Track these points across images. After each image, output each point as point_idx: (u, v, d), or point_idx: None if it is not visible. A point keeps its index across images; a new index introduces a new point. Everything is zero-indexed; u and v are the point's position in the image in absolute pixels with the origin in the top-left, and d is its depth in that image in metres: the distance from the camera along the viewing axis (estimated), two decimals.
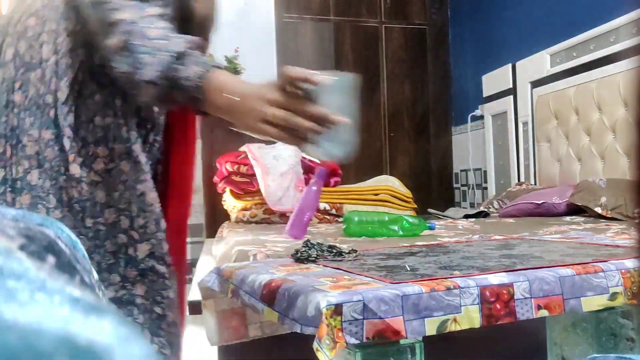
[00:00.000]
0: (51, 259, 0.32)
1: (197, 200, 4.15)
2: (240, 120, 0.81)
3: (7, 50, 0.98)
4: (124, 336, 0.23)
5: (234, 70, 3.96)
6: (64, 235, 0.37)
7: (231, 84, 0.81)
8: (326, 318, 0.76)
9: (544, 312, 0.89)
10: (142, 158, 1.01)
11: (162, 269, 1.01)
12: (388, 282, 0.86)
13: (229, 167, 2.95)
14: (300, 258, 1.13)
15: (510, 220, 2.47)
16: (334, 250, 1.16)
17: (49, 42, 0.96)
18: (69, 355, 0.20)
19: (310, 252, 1.14)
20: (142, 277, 0.99)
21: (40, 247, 0.32)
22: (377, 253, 1.23)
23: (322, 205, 2.78)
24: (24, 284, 0.23)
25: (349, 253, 1.15)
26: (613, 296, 0.94)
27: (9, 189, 0.95)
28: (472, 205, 4.04)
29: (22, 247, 0.29)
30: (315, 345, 0.76)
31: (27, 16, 0.98)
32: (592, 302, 0.93)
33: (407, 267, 1.03)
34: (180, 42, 0.82)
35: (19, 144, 0.95)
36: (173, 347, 1.03)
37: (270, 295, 0.92)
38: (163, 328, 1.01)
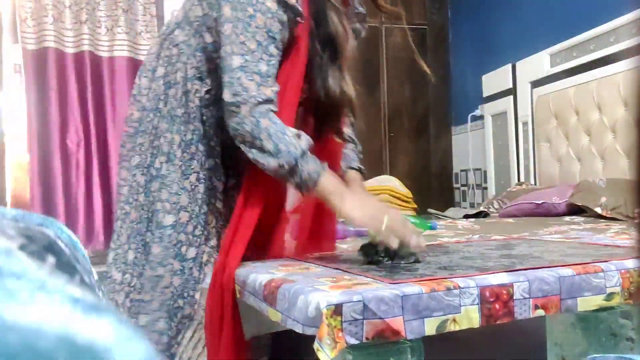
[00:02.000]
0: (51, 259, 0.32)
1: None
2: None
3: (158, 69, 1.25)
4: (124, 336, 0.23)
5: None
6: (64, 235, 0.37)
7: (335, 191, 1.07)
8: (326, 318, 0.76)
9: (540, 312, 0.89)
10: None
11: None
12: (387, 282, 0.86)
13: None
14: (370, 256, 1.06)
15: (510, 220, 2.47)
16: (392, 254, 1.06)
17: (181, 70, 1.22)
18: (69, 355, 0.21)
19: (378, 253, 1.06)
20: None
21: (40, 247, 0.32)
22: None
23: None
24: (24, 284, 0.23)
25: (408, 256, 1.06)
26: (609, 296, 0.94)
27: (141, 173, 1.23)
28: (472, 205, 4.04)
29: (22, 247, 0.29)
30: (316, 345, 0.76)
31: (172, 45, 1.24)
32: (588, 302, 0.93)
33: (417, 257, 1.04)
34: (304, 142, 1.06)
35: (155, 141, 1.22)
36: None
37: (271, 295, 0.92)
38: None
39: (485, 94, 3.81)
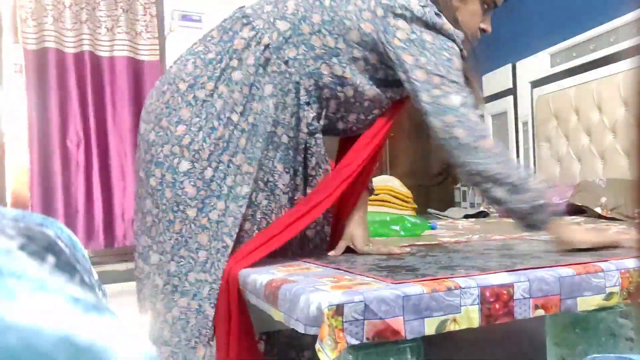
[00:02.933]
0: (51, 259, 0.32)
1: None
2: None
3: (266, 86, 1.20)
4: (124, 336, 0.23)
5: None
6: (64, 235, 0.37)
7: (567, 235, 1.15)
8: (327, 318, 0.76)
9: (540, 312, 0.89)
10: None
11: None
12: (389, 281, 0.86)
13: None
14: None
15: (511, 220, 2.46)
16: None
17: (292, 91, 1.21)
18: (69, 355, 0.21)
19: None
20: None
21: (40, 247, 0.32)
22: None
23: None
24: (24, 284, 0.23)
25: None
26: (609, 296, 0.94)
27: (237, 204, 1.18)
28: (472, 205, 4.04)
29: (22, 247, 0.29)
30: (317, 346, 0.76)
31: (282, 61, 1.20)
32: (588, 302, 0.93)
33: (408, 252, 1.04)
34: (547, 193, 1.11)
35: (259, 172, 1.20)
36: None
37: (272, 295, 0.92)
38: None
39: (485, 94, 3.81)
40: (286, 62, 1.18)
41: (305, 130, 1.21)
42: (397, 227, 1.82)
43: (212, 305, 1.15)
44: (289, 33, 1.19)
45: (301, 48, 1.19)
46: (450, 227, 2.08)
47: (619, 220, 2.13)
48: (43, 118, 3.60)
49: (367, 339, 0.78)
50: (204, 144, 1.17)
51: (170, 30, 4.10)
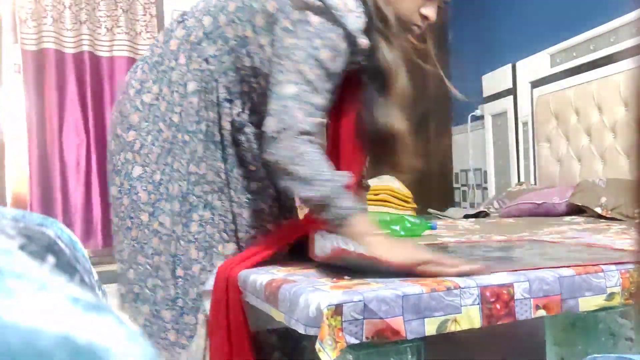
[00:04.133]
0: (51, 259, 0.32)
1: None
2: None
3: (189, 84, 1.17)
4: (124, 336, 0.23)
5: None
6: (64, 235, 0.37)
7: (367, 232, 0.99)
8: (327, 318, 0.76)
9: (541, 312, 0.89)
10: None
11: None
12: (385, 282, 0.86)
13: None
14: None
15: (510, 220, 2.47)
16: None
17: (215, 89, 1.16)
18: (69, 355, 0.21)
19: None
20: None
21: (40, 247, 0.32)
22: None
23: None
24: (24, 284, 0.23)
25: None
26: (610, 296, 0.94)
27: (177, 201, 1.16)
28: (472, 205, 4.04)
29: (22, 247, 0.29)
30: (317, 346, 0.76)
31: (202, 58, 1.17)
32: (589, 302, 0.93)
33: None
34: (343, 177, 1.01)
35: (192, 166, 1.17)
36: None
37: (272, 295, 0.92)
38: None
39: (485, 94, 3.81)
40: (206, 60, 1.16)
41: (229, 127, 1.17)
42: (397, 227, 1.82)
43: (167, 308, 1.16)
44: (210, 28, 1.17)
45: (218, 42, 1.15)
46: (450, 227, 2.08)
47: (619, 220, 2.13)
48: (42, 118, 3.60)
49: (367, 338, 0.78)
50: (152, 147, 1.17)
51: None
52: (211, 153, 1.16)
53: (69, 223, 3.55)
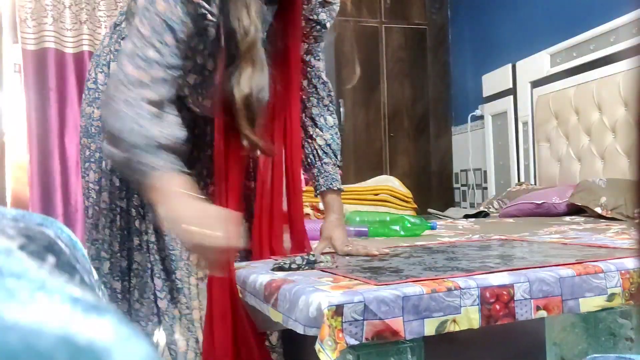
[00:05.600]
0: (51, 259, 0.32)
1: None
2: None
3: (111, 64, 1.22)
4: (124, 336, 0.23)
5: None
6: (64, 235, 0.37)
7: (165, 193, 0.91)
8: (327, 319, 0.76)
9: (542, 313, 0.89)
10: None
11: None
12: (373, 283, 0.86)
13: None
14: (282, 267, 1.04)
15: (510, 220, 2.47)
16: (307, 259, 1.06)
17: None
18: (69, 355, 0.21)
19: (289, 263, 1.05)
20: None
21: (40, 247, 0.32)
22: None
23: (322, 206, 2.77)
24: (24, 284, 0.23)
25: (320, 262, 1.06)
26: (611, 297, 0.94)
27: (117, 177, 1.21)
28: (472, 205, 4.04)
29: (22, 247, 0.29)
30: (317, 346, 0.76)
31: (120, 38, 1.22)
32: (590, 303, 0.93)
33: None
34: (162, 130, 0.94)
35: None
36: None
37: (272, 296, 0.92)
38: None
39: (485, 94, 3.81)
40: (123, 39, 1.19)
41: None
42: (397, 227, 1.82)
43: (116, 279, 1.23)
44: (125, 9, 1.23)
45: (130, 20, 1.14)
46: (450, 227, 2.08)
47: (619, 220, 2.13)
48: (42, 118, 3.60)
49: (367, 339, 0.78)
50: (90, 128, 1.25)
51: None
52: None
53: (69, 223, 3.55)
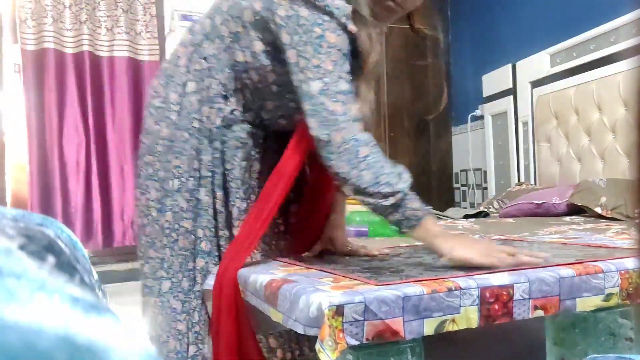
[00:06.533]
0: (51, 259, 0.32)
1: None
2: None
3: (189, 84, 1.21)
4: (123, 336, 0.23)
5: None
6: (64, 235, 0.37)
7: (439, 233, 1.02)
8: (328, 319, 0.76)
9: (539, 312, 0.89)
10: None
11: None
12: (373, 283, 0.86)
13: None
14: None
15: (510, 220, 2.47)
16: None
17: (211, 86, 1.21)
18: (69, 355, 0.21)
19: None
20: None
21: (40, 247, 0.32)
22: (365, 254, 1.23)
23: None
24: (24, 284, 0.23)
25: None
26: (608, 297, 0.94)
27: (183, 198, 1.20)
28: (472, 205, 4.04)
29: (22, 247, 0.29)
30: (317, 346, 0.76)
31: (201, 57, 1.21)
32: (587, 303, 0.93)
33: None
34: (407, 177, 1.02)
35: (195, 163, 1.22)
36: None
37: (272, 295, 0.92)
38: None
39: (485, 94, 3.81)
40: (205, 59, 1.20)
41: (219, 122, 1.19)
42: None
43: (176, 298, 1.19)
44: (208, 29, 1.21)
45: (216, 42, 1.19)
46: (450, 227, 2.08)
47: (619, 220, 2.13)
48: (42, 118, 3.60)
49: (367, 339, 0.78)
50: (156, 146, 1.22)
51: (170, 30, 4.10)
52: (204, 149, 1.19)
53: (69, 223, 3.55)
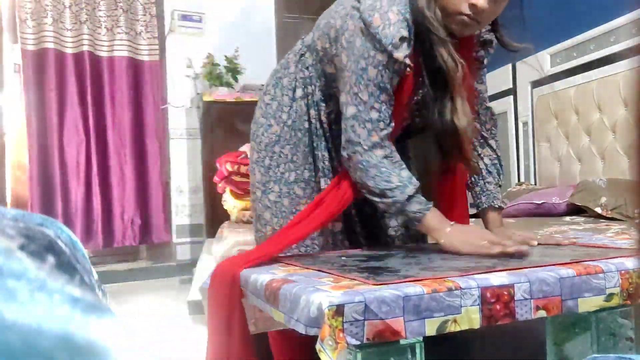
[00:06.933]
0: (51, 259, 0.32)
1: (197, 200, 4.15)
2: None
3: (297, 90, 1.38)
4: (123, 336, 0.23)
5: (235, 69, 3.96)
6: (64, 235, 0.37)
7: (437, 227, 1.19)
8: (328, 319, 0.76)
9: (542, 313, 0.89)
10: None
11: None
12: (371, 283, 0.85)
13: (229, 167, 2.95)
14: None
15: (510, 220, 2.47)
16: None
17: (314, 92, 1.37)
18: (69, 355, 0.20)
19: None
20: None
21: (40, 247, 0.32)
22: (361, 254, 1.23)
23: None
24: (24, 284, 0.23)
25: None
26: (609, 297, 0.94)
27: (299, 187, 1.37)
28: (472, 206, 4.03)
29: (22, 247, 0.29)
30: (318, 346, 0.76)
31: (304, 67, 1.38)
32: (589, 303, 0.93)
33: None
34: (410, 187, 1.18)
35: (310, 157, 1.40)
36: None
37: (272, 295, 0.92)
38: None
39: None
40: (307, 68, 1.36)
41: (327, 122, 1.36)
42: None
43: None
44: (309, 42, 1.36)
45: (314, 54, 1.34)
46: None
47: (619, 220, 2.13)
48: (42, 118, 3.60)
49: (368, 339, 0.78)
50: (262, 137, 1.39)
51: (170, 30, 4.10)
52: (317, 144, 1.36)
53: (69, 223, 3.55)
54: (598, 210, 2.23)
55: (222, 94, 3.82)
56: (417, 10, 1.17)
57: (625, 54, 2.57)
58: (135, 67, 3.89)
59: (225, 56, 3.96)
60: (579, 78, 2.93)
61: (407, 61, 1.17)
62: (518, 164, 3.51)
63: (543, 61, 3.24)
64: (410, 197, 1.17)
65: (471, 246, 1.13)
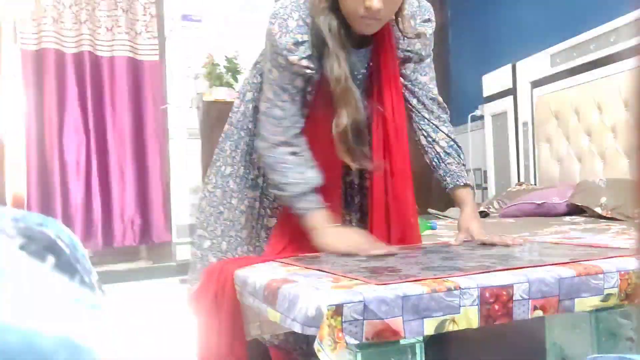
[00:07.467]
0: (51, 259, 0.32)
1: (197, 200, 4.15)
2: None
3: (247, 93, 1.48)
4: (122, 336, 0.23)
5: (234, 70, 3.96)
6: (64, 235, 0.37)
7: (316, 227, 1.26)
8: (327, 318, 0.76)
9: (538, 313, 0.89)
10: None
11: None
12: (373, 283, 0.85)
13: None
14: None
15: (510, 220, 2.47)
16: None
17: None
18: (69, 355, 0.21)
19: None
20: None
21: (40, 247, 0.32)
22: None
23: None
24: (24, 284, 0.23)
25: None
26: (606, 297, 0.94)
27: (233, 180, 1.48)
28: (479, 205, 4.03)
29: (22, 247, 0.29)
30: (316, 345, 0.76)
31: (259, 74, 1.44)
32: (586, 303, 0.93)
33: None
34: (304, 185, 1.26)
35: (248, 156, 1.48)
36: None
37: (271, 295, 0.92)
38: None
39: (485, 94, 3.81)
40: (261, 74, 1.40)
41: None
42: None
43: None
44: (263, 51, 1.40)
45: (263, 62, 1.40)
46: (451, 227, 2.08)
47: (619, 220, 2.13)
48: (42, 118, 3.60)
49: (367, 339, 0.78)
50: (236, 150, 1.47)
51: (170, 30, 4.10)
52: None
53: (69, 223, 3.55)
54: (598, 210, 2.23)
55: (222, 94, 3.82)
56: (313, 18, 1.23)
57: (626, 54, 2.57)
58: (135, 67, 3.89)
59: (225, 56, 3.96)
60: (579, 78, 2.93)
61: (304, 63, 1.23)
62: (518, 164, 3.51)
63: (543, 61, 3.24)
64: (300, 194, 1.25)
65: (347, 246, 1.20)
